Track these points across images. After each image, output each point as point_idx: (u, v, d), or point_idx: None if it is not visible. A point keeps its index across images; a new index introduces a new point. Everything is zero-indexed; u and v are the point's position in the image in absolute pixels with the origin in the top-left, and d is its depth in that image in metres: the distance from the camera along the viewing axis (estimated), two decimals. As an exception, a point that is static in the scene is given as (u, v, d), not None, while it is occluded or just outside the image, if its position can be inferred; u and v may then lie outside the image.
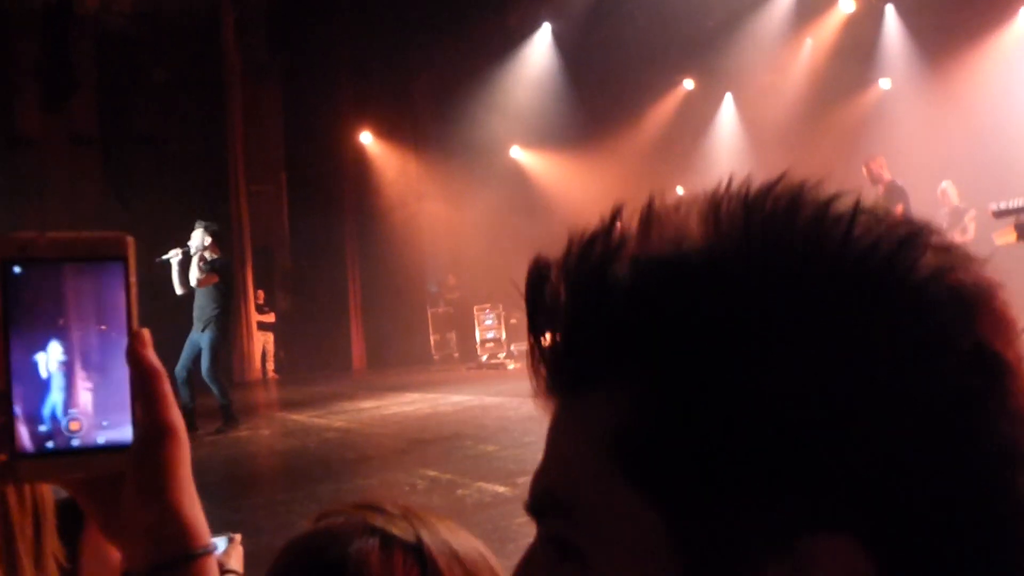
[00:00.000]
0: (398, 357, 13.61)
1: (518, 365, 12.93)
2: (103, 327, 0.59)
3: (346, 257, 14.76)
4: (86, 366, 0.59)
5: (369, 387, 10.95)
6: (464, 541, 0.80)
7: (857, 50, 13.12)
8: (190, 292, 8.47)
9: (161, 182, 13.66)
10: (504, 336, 13.86)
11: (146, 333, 0.60)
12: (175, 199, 13.49)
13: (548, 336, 0.40)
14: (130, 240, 0.60)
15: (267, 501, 5.03)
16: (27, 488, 0.96)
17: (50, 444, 0.58)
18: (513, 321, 14.09)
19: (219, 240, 8.77)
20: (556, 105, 14.53)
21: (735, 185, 0.38)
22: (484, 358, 13.43)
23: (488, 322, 13.74)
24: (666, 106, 15.49)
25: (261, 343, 13.79)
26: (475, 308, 13.74)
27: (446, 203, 14.38)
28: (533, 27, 13.92)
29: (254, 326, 13.63)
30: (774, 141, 14.44)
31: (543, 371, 0.41)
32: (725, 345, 0.34)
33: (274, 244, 15.49)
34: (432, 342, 14.35)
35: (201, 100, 13.91)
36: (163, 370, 0.60)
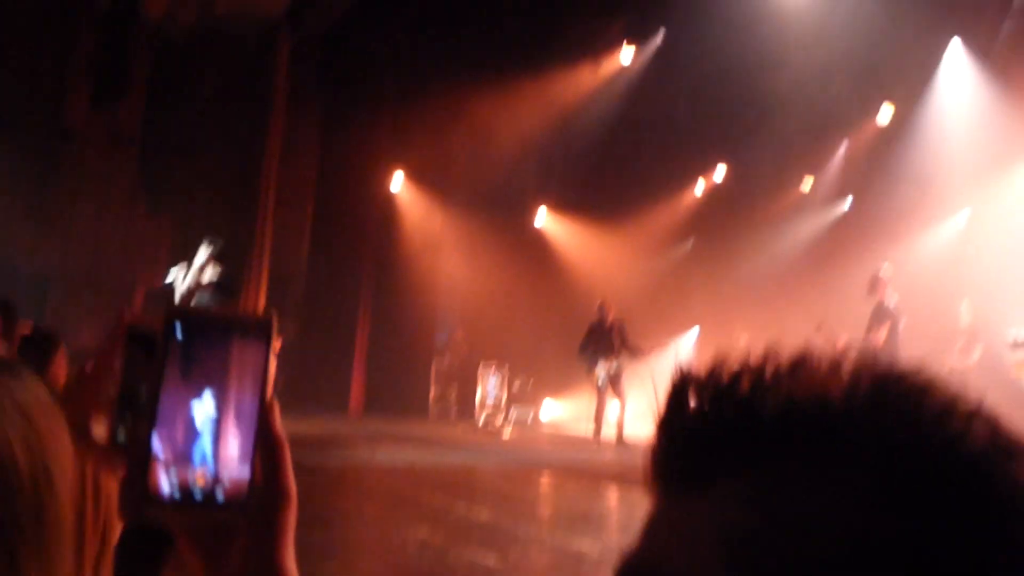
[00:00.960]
0: (395, 404, 13.43)
1: (514, 432, 12.74)
2: (240, 394, 0.65)
3: (360, 295, 14.70)
4: (218, 428, 0.64)
5: (365, 432, 10.76)
6: None
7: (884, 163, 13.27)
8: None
9: (193, 192, 13.76)
10: (505, 398, 13.69)
11: (276, 404, 0.66)
12: (204, 211, 13.57)
13: (676, 432, 0.46)
14: (275, 319, 0.67)
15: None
16: (100, 509, 1.03)
17: (176, 493, 0.63)
18: (516, 384, 13.94)
19: (222, 257, 8.83)
20: (589, 173, 14.68)
21: (878, 354, 0.45)
22: (482, 419, 13.25)
23: (492, 382, 13.59)
24: (696, 191, 15.66)
25: (262, 368, 13.65)
26: (481, 364, 13.61)
27: (467, 255, 14.39)
28: (577, 96, 14.13)
29: (258, 350, 13.52)
30: (799, 240, 14.54)
31: (662, 460, 0.47)
32: (850, 497, 0.39)
33: (291, 272, 15.49)
34: (432, 394, 14.19)
35: (244, 119, 14.08)
36: (286, 440, 0.65)
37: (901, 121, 12.74)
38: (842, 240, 13.28)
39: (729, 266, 14.37)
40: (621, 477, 8.21)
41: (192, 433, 0.63)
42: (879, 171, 13.13)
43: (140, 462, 0.62)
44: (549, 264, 14.91)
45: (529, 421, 14.02)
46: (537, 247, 15.09)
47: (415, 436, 10.80)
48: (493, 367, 13.53)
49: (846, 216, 14.40)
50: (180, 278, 8.63)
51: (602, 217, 14.65)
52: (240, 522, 0.64)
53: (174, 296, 8.72)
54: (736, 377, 0.45)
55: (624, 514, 6.60)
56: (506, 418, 13.39)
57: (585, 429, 11.81)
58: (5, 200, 12.61)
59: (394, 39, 13.92)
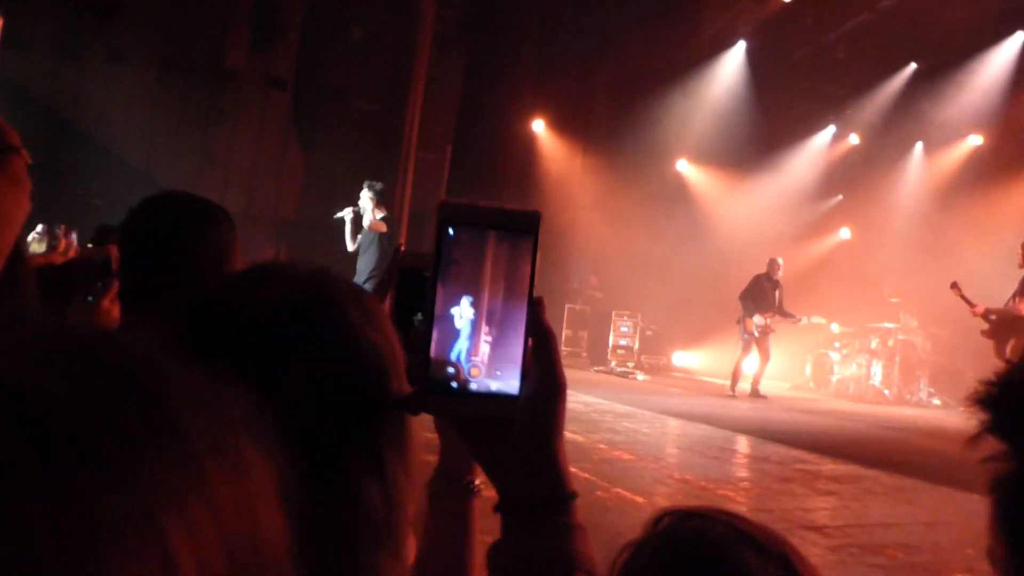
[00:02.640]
0: (528, 343, 13.72)
1: (647, 377, 12.83)
2: (509, 290, 0.66)
3: (495, 237, 15.01)
4: (490, 322, 0.66)
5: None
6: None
7: None
8: (356, 248, 9.03)
9: (340, 133, 14.35)
10: (636, 346, 13.76)
11: (542, 300, 0.67)
12: (350, 151, 14.15)
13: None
14: (540, 216, 0.67)
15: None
16: None
17: (454, 384, 0.65)
18: (648, 333, 13.96)
19: (383, 199, 9.24)
20: (733, 124, 14.25)
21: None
22: (613, 364, 13.40)
23: (624, 329, 13.68)
24: (840, 144, 14.91)
25: (402, 304, 14.24)
26: (614, 313, 13.70)
27: (604, 203, 14.39)
28: (727, 43, 13.64)
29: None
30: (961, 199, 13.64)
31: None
32: None
33: (429, 211, 15.93)
34: (563, 337, 14.44)
35: (390, 63, 14.47)
36: (555, 333, 0.67)
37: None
38: (1014, 203, 12.25)
39: (878, 223, 13.68)
40: (756, 429, 8.20)
41: (467, 329, 0.65)
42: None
43: (421, 360, 0.65)
44: (687, 215, 14.70)
45: (661, 367, 14.09)
46: (676, 198, 14.88)
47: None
48: (627, 314, 13.61)
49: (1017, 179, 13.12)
50: (348, 218, 9.13)
51: (745, 168, 14.26)
52: (515, 412, 0.66)
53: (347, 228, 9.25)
54: None
55: (763, 467, 6.62)
56: (638, 363, 13.49)
57: (719, 378, 11.76)
58: (173, 137, 13.57)
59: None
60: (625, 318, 13.66)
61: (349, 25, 14.36)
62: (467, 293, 0.65)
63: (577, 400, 9.26)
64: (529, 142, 14.92)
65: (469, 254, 0.65)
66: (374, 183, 9.22)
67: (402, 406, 0.68)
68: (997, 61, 12.41)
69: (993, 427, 0.60)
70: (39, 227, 8.70)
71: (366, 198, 9.11)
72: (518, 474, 0.67)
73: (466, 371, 0.65)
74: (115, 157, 12.81)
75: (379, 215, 8.99)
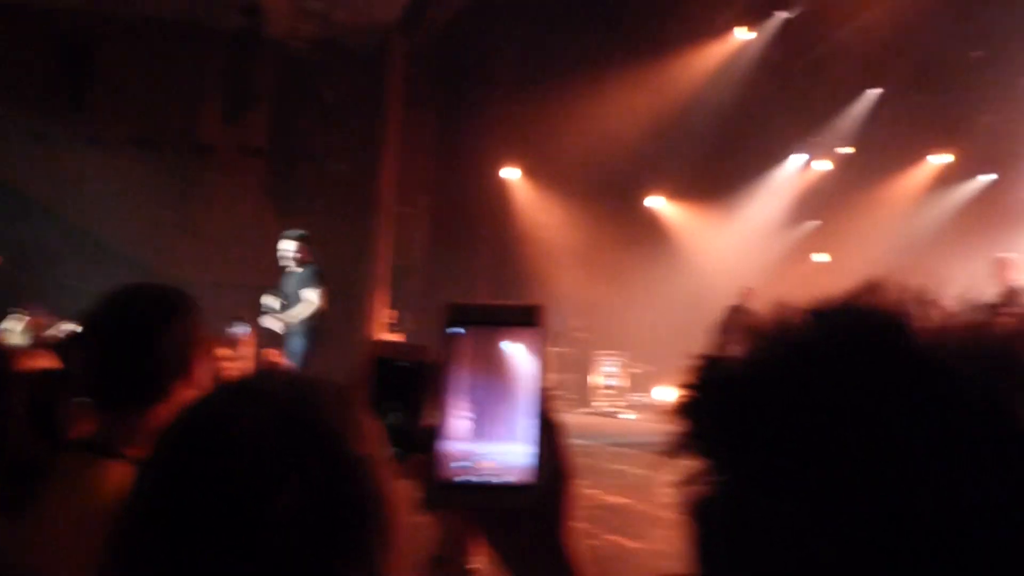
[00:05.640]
0: (516, 391, 13.71)
1: (638, 416, 12.80)
2: (517, 383, 0.69)
3: (477, 286, 15.08)
4: (497, 415, 0.68)
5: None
6: None
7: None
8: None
9: (317, 196, 14.45)
10: (625, 384, 13.74)
11: (550, 391, 0.70)
12: (327, 212, 14.24)
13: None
14: (544, 309, 0.71)
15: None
16: None
17: (462, 478, 0.67)
18: (636, 371, 13.97)
19: (308, 243, 8.72)
20: (703, 158, 14.48)
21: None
22: (601, 404, 13.37)
23: (609, 369, 13.67)
24: (814, 173, 15.16)
25: (388, 361, 14.17)
26: (598, 352, 13.72)
27: (582, 245, 14.52)
28: (691, 81, 13.92)
29: (383, 343, 14.07)
30: (933, 219, 13.88)
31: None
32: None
33: (409, 266, 16.00)
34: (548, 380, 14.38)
35: (362, 123, 14.65)
36: (562, 424, 0.70)
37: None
38: (985, 220, 12.48)
39: (856, 247, 13.88)
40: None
41: (477, 422, 0.67)
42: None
43: (432, 455, 0.66)
44: (665, 251, 14.84)
45: (650, 404, 14.08)
46: (653, 235, 15.05)
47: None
48: (613, 353, 13.61)
49: (989, 194, 13.34)
50: (271, 303, 8.65)
51: (718, 201, 14.47)
52: (529, 501, 0.67)
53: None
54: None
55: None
56: (625, 404, 13.47)
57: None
58: (153, 212, 13.63)
59: (506, 36, 14.15)
60: (611, 357, 13.67)
61: (321, 89, 14.56)
62: (476, 388, 0.68)
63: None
64: (505, 190, 15.10)
65: (476, 351, 0.68)
66: (293, 231, 8.64)
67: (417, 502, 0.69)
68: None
69: (691, 440, 0.50)
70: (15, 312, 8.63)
71: (288, 248, 8.56)
72: (532, 563, 0.69)
73: (473, 463, 0.67)
74: (92, 237, 12.87)
75: (301, 270, 8.48)
